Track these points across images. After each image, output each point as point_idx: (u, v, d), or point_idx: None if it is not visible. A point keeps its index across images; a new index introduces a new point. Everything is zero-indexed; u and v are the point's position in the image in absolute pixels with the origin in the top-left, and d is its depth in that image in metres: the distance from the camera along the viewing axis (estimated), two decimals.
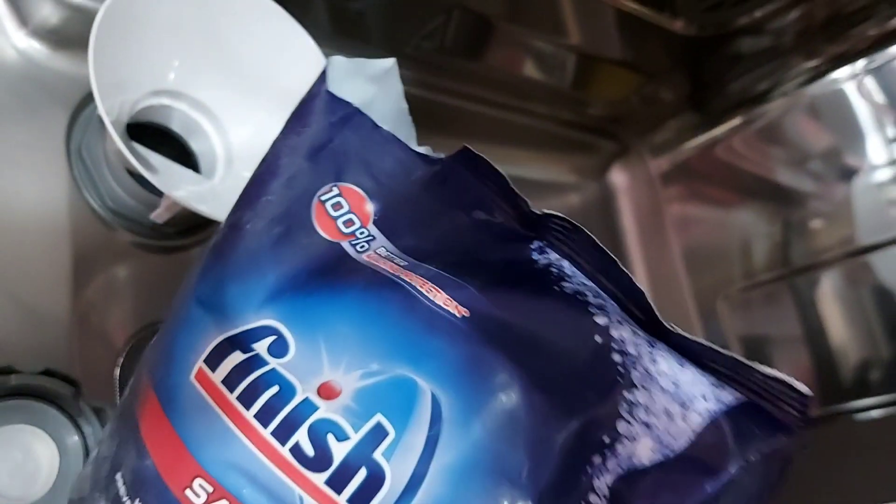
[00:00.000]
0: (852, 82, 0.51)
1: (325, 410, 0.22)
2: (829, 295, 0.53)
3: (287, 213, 0.26)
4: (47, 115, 0.36)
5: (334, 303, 0.24)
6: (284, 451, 0.22)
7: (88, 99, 0.37)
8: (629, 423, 0.22)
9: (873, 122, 0.52)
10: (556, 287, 0.24)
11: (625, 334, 0.23)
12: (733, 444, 0.21)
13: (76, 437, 0.31)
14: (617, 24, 0.48)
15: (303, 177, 0.26)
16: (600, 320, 0.23)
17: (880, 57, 0.49)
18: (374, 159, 0.27)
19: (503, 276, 0.24)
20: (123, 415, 0.25)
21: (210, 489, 0.22)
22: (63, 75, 0.37)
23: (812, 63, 0.52)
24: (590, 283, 0.24)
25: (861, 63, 0.50)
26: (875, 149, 0.53)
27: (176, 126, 0.38)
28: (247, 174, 0.37)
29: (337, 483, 0.21)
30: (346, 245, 0.25)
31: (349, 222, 0.26)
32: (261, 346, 0.23)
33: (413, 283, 0.24)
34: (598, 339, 0.23)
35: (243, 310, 0.24)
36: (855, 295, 0.52)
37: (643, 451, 0.21)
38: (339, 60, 0.28)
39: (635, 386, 0.22)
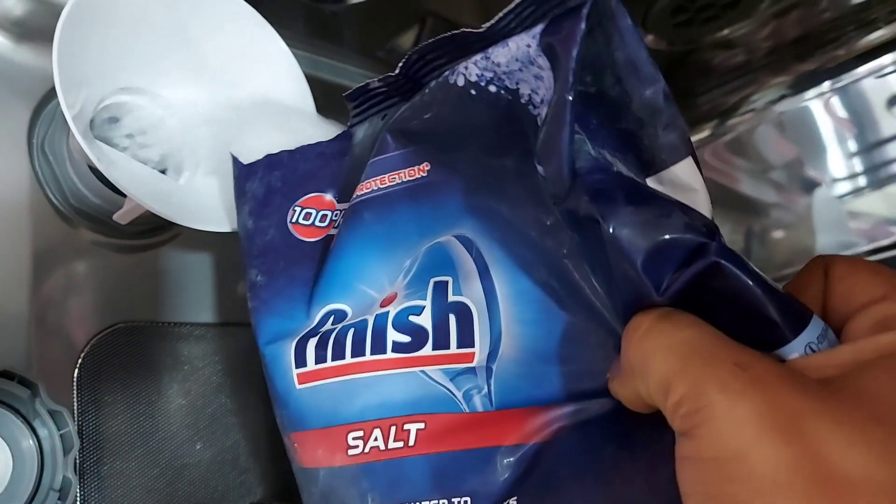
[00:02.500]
0: (819, 100, 0.52)
1: (394, 307, 0.27)
2: None
3: (279, 249, 0.31)
4: (9, 108, 0.35)
5: (350, 257, 0.29)
6: (390, 354, 0.26)
7: (52, 94, 0.36)
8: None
9: (836, 137, 0.54)
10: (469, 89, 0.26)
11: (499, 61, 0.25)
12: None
13: (31, 442, 0.30)
14: None
15: (268, 221, 0.32)
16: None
17: (847, 77, 0.51)
18: (302, 169, 0.32)
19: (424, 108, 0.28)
20: (296, 472, 0.30)
21: (361, 432, 0.26)
22: (26, 68, 0.36)
23: (780, 80, 0.53)
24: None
25: (828, 82, 0.51)
26: (836, 163, 0.54)
27: (141, 124, 0.38)
28: (213, 175, 0.37)
29: (440, 341, 0.26)
30: (332, 231, 0.31)
31: (323, 217, 0.31)
32: (326, 326, 0.29)
33: (383, 186, 0.29)
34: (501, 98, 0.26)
35: (298, 323, 0.29)
36: None
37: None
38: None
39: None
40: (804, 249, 0.56)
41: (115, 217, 0.34)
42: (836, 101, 0.52)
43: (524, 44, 0.24)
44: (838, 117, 0.53)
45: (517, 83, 0.25)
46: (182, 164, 0.38)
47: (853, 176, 0.54)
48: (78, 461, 0.33)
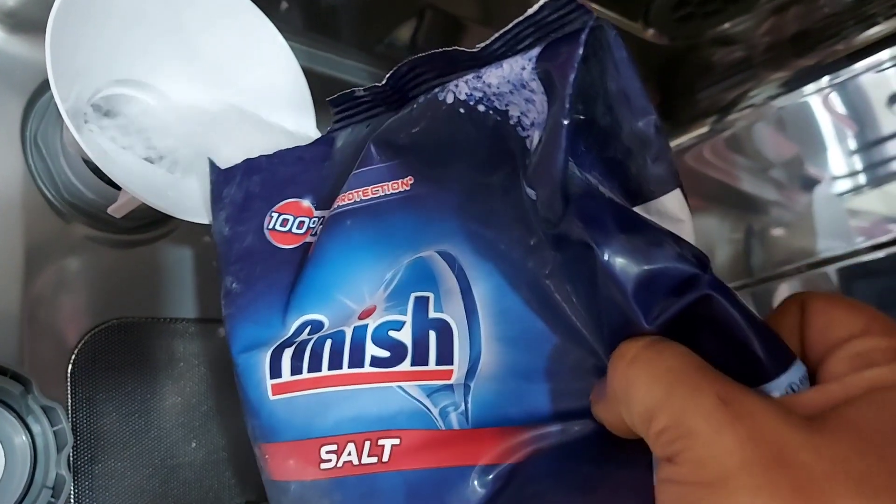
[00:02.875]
0: (818, 96, 0.52)
1: (374, 321, 0.27)
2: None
3: (256, 255, 0.31)
4: (2, 101, 0.35)
5: (330, 266, 0.29)
6: (367, 368, 0.26)
7: (45, 86, 0.36)
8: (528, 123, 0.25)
9: (835, 134, 0.53)
10: (453, 105, 0.26)
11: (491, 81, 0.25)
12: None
13: (24, 438, 0.30)
14: None
15: (245, 227, 0.31)
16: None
17: (846, 72, 0.50)
18: (281, 174, 0.32)
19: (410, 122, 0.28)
20: (266, 483, 0.29)
21: (335, 446, 0.26)
22: (19, 60, 0.36)
23: (780, 76, 0.53)
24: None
25: (826, 78, 0.51)
26: (836, 160, 0.54)
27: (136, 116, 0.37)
28: (208, 168, 0.36)
29: (419, 357, 0.26)
30: (309, 238, 0.31)
31: (300, 224, 0.31)
32: (302, 336, 0.28)
33: (365, 198, 0.29)
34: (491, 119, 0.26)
35: (274, 332, 0.29)
36: None
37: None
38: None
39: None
40: (803, 247, 0.56)
41: (109, 210, 0.34)
42: (835, 98, 0.52)
43: (518, 66, 0.24)
44: (838, 114, 0.53)
45: (507, 105, 0.25)
46: (177, 157, 0.37)
47: (853, 173, 0.54)
48: (71, 458, 0.32)
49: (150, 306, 0.38)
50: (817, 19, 0.48)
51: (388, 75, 0.29)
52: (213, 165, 0.33)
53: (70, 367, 0.34)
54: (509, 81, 0.24)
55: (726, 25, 0.48)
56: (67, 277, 0.36)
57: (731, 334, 0.20)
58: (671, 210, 0.24)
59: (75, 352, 0.35)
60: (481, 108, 0.26)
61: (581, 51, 0.22)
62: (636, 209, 0.24)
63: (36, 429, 0.30)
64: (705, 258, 0.21)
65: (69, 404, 0.34)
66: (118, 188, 0.33)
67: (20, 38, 0.36)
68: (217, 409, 0.39)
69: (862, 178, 0.54)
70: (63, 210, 0.36)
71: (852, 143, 0.53)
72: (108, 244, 0.37)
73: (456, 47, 0.26)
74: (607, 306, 0.22)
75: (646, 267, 0.21)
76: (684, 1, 0.45)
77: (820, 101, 0.52)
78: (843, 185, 0.55)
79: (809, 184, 0.56)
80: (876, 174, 0.53)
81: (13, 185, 0.35)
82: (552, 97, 0.23)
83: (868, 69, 0.50)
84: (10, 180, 0.35)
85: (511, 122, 0.25)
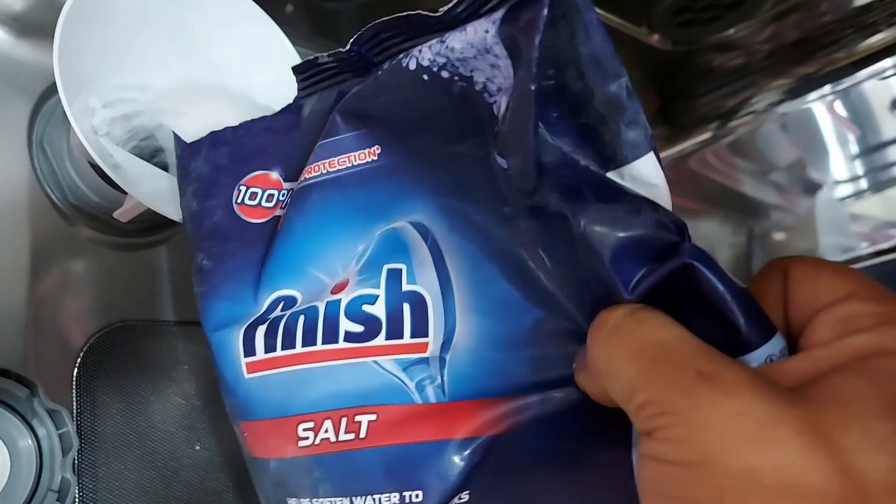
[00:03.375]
0: (820, 102, 0.52)
1: (346, 295, 0.26)
2: None
3: (226, 231, 0.30)
4: (8, 104, 0.35)
5: (300, 241, 0.28)
6: (342, 344, 0.26)
7: (52, 90, 0.36)
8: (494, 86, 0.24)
9: (837, 139, 0.54)
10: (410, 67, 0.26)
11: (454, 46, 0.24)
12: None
13: (29, 441, 0.30)
14: None
15: (215, 202, 0.31)
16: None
17: (847, 80, 0.51)
18: (248, 145, 0.31)
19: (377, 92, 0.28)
20: (247, 460, 0.29)
21: (311, 423, 0.26)
22: (26, 64, 0.36)
23: (780, 82, 0.53)
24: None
25: (828, 85, 0.51)
26: (838, 165, 0.54)
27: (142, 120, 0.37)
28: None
29: (394, 330, 0.25)
30: (279, 212, 0.30)
31: (269, 197, 0.30)
32: (275, 313, 0.28)
33: (332, 170, 0.28)
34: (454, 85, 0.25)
35: (246, 309, 0.28)
36: None
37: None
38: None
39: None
40: (805, 251, 0.56)
41: (115, 215, 0.34)
42: (837, 104, 0.52)
43: (482, 29, 0.23)
44: (840, 118, 0.53)
45: (471, 71, 0.24)
46: None
47: (855, 178, 0.54)
48: (76, 461, 0.32)
49: (154, 309, 0.38)
50: (818, 26, 0.48)
51: (351, 40, 0.28)
52: (177, 139, 0.32)
53: (76, 369, 0.34)
54: (473, 46, 0.24)
55: (728, 32, 0.48)
56: (72, 280, 0.36)
57: (711, 302, 0.20)
58: (645, 175, 0.23)
59: (81, 354, 0.35)
60: (445, 74, 0.25)
61: (545, 12, 0.21)
62: (609, 175, 0.23)
63: (41, 432, 0.30)
64: (683, 225, 0.21)
65: (74, 407, 0.34)
66: (123, 192, 0.33)
67: (27, 42, 0.36)
68: (220, 411, 0.39)
69: (864, 183, 0.54)
70: (68, 213, 0.36)
71: (854, 148, 0.54)
72: (113, 247, 0.37)
73: (420, 11, 0.25)
74: (586, 275, 0.22)
75: (623, 235, 0.20)
76: (685, 7, 0.45)
77: (822, 107, 0.53)
78: (845, 189, 0.55)
79: (811, 188, 0.56)
80: (878, 179, 0.54)
81: (19, 187, 0.35)
82: (518, 62, 0.22)
83: (870, 77, 0.50)
84: (16, 183, 0.35)
85: (477, 88, 0.24)
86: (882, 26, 0.48)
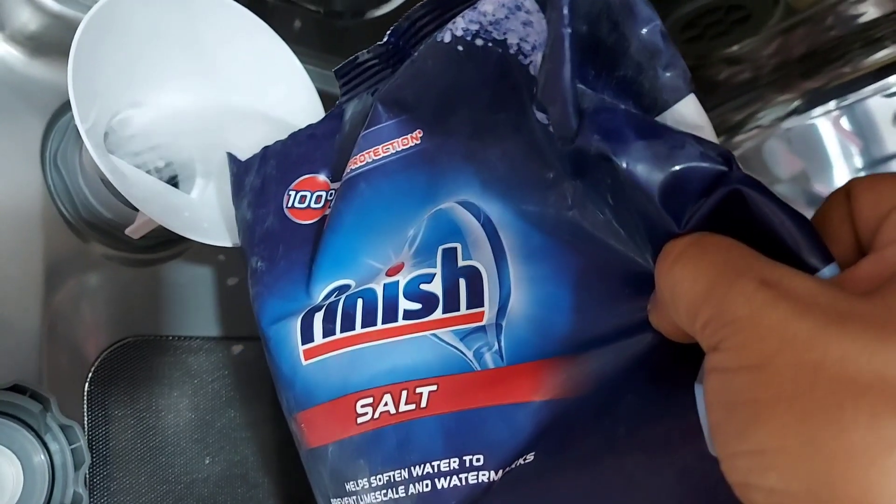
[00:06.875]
0: (825, 118, 0.53)
1: (404, 277, 0.27)
2: None
3: (277, 234, 0.31)
4: (23, 122, 0.36)
5: (350, 231, 0.29)
6: (401, 322, 0.26)
7: (66, 107, 0.36)
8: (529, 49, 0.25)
9: (842, 153, 0.54)
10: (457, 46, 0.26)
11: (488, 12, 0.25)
12: None
13: (42, 456, 0.30)
14: None
15: (266, 209, 0.32)
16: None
17: (853, 95, 0.51)
18: (295, 153, 0.32)
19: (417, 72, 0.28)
20: (303, 456, 0.30)
21: (370, 399, 0.26)
22: (40, 82, 0.36)
23: (787, 97, 0.53)
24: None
25: (834, 101, 0.52)
26: (842, 179, 0.54)
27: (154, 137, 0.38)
28: (226, 188, 0.37)
29: (451, 304, 0.26)
30: (328, 211, 0.31)
31: (318, 199, 0.31)
32: (330, 300, 0.28)
33: (377, 157, 0.29)
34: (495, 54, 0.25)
35: (301, 304, 0.29)
36: None
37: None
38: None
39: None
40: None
41: (127, 231, 0.35)
42: (842, 119, 0.52)
43: None
44: (845, 135, 0.53)
45: (505, 33, 0.25)
46: (194, 178, 0.38)
47: None
48: (88, 476, 0.32)
49: (166, 324, 0.38)
50: (824, 41, 0.48)
51: (388, 32, 0.28)
52: (232, 158, 0.34)
53: (87, 384, 0.35)
54: (504, 5, 0.24)
55: (734, 47, 0.48)
56: (85, 295, 0.36)
57: (768, 228, 0.19)
58: (688, 117, 0.23)
59: (92, 369, 0.35)
60: (479, 42, 0.25)
61: None
62: None
63: (54, 447, 0.31)
64: (730, 155, 0.20)
65: (85, 421, 0.34)
66: (135, 209, 0.34)
67: (41, 60, 0.36)
68: (231, 425, 0.39)
69: None
70: (80, 229, 0.36)
71: (858, 162, 0.54)
72: (125, 263, 0.38)
73: None
74: (640, 218, 0.21)
75: (670, 169, 0.20)
76: (692, 22, 0.46)
77: (828, 122, 0.53)
78: None
79: (816, 201, 0.56)
80: None
81: (32, 203, 0.35)
82: (549, 10, 0.22)
83: (876, 92, 0.50)
84: (30, 199, 0.35)
85: (511, 52, 0.25)
86: (888, 41, 0.48)
